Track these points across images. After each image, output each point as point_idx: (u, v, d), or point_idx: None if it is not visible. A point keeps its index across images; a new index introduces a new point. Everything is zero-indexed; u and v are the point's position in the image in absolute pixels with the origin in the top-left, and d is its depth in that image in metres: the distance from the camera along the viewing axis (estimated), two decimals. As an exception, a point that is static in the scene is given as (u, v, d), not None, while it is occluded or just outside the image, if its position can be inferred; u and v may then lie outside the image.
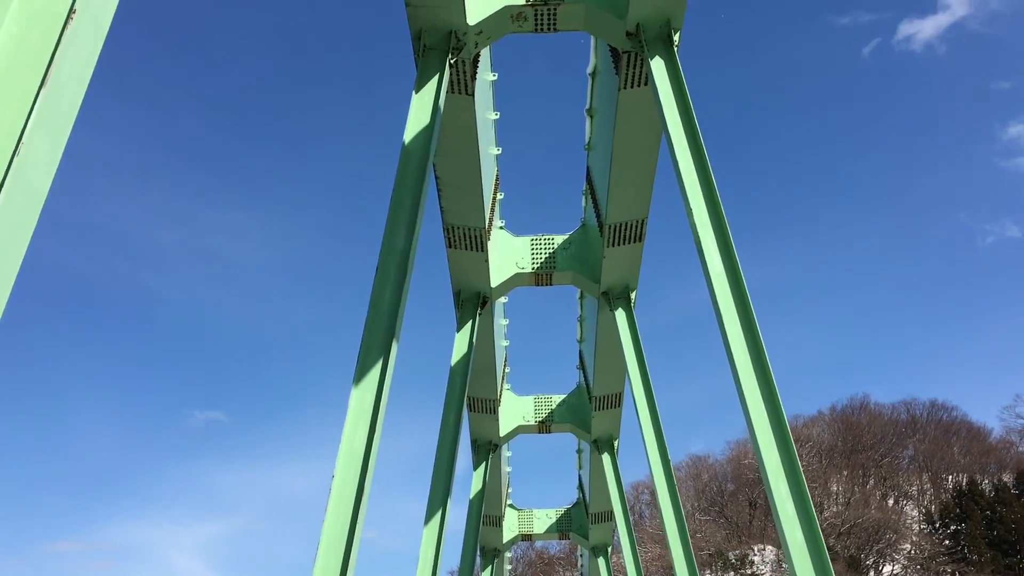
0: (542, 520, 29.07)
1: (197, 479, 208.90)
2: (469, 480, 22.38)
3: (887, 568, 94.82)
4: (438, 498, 14.10)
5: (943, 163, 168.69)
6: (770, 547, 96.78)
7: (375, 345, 9.07)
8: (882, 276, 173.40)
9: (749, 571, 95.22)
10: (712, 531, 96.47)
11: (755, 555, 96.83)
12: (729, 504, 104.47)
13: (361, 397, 8.83)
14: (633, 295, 16.68)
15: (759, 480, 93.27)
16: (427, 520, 13.89)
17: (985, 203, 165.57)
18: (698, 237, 9.78)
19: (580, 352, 22.26)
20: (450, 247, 15.32)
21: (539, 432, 23.18)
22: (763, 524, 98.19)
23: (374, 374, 8.90)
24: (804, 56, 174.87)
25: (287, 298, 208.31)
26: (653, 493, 15.81)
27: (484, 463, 21.86)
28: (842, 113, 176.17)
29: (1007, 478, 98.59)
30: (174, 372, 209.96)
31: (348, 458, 8.54)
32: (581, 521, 28.71)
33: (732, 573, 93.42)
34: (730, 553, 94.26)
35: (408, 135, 10.34)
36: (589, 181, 16.08)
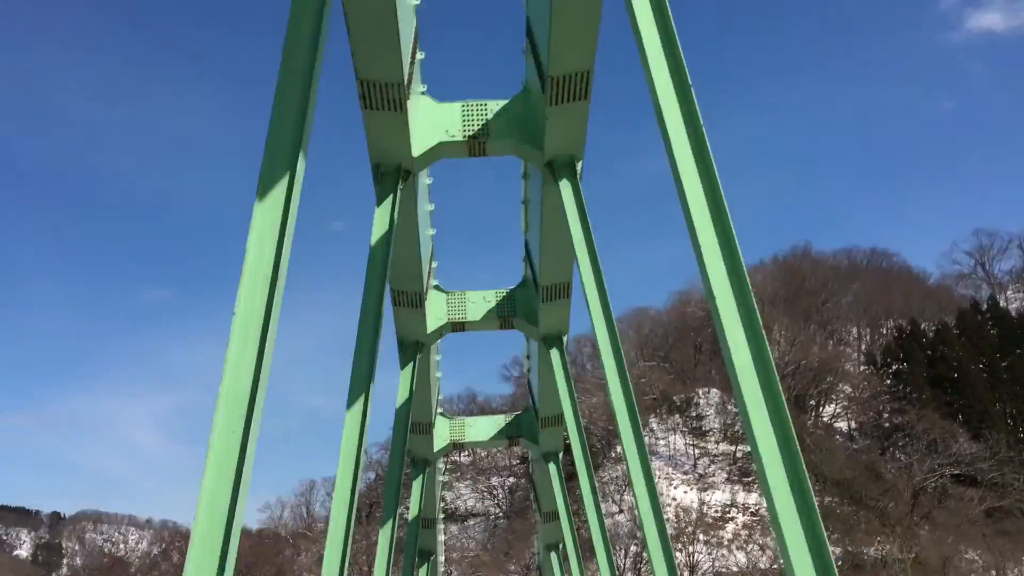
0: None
1: (150, 354, 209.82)
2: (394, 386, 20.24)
3: (830, 408, 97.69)
4: (360, 384, 12.86)
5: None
6: (715, 390, 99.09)
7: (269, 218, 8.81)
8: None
9: (694, 413, 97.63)
10: (657, 376, 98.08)
11: (700, 398, 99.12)
12: (674, 349, 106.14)
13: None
14: (579, 165, 14.91)
15: (704, 325, 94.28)
16: (349, 405, 12.74)
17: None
18: (653, 83, 9.20)
19: (526, 243, 20.25)
20: (366, 108, 13.19)
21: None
22: (707, 368, 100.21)
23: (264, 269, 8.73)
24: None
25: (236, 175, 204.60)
26: (594, 344, 14.77)
27: (411, 364, 20.07)
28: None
29: (948, 319, 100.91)
30: (123, 250, 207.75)
31: (247, 310, 8.50)
32: (531, 425, 26.32)
33: (677, 415, 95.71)
34: (675, 397, 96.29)
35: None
36: (530, 35, 14.13)
